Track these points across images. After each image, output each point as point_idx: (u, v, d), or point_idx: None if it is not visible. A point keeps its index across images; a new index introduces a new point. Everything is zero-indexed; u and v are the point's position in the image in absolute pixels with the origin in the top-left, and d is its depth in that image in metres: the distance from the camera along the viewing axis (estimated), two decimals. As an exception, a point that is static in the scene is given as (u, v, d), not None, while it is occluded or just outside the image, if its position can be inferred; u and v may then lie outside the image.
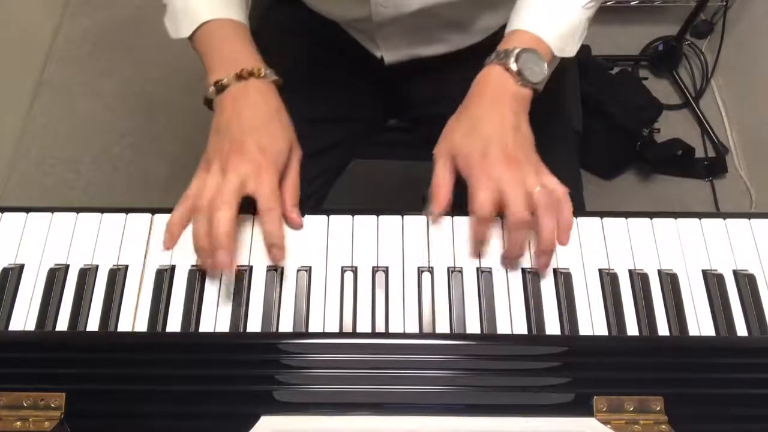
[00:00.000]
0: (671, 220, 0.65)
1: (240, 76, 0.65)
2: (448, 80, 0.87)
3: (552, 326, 0.59)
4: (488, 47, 0.76)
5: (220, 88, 0.66)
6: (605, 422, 0.49)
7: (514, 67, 0.64)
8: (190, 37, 0.69)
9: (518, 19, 0.68)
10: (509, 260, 0.62)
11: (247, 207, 0.62)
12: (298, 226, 0.64)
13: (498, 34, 0.83)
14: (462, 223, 0.64)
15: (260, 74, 0.66)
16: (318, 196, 0.87)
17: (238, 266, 0.61)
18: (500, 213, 0.62)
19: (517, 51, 0.65)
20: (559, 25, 0.67)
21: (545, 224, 0.60)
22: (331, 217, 0.64)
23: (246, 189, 0.61)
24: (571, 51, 0.69)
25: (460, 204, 0.64)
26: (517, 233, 0.60)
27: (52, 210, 0.64)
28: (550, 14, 0.67)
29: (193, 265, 0.61)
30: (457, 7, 0.78)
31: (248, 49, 0.69)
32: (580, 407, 0.50)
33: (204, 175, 0.63)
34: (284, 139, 0.65)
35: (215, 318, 0.59)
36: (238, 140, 0.63)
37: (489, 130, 0.63)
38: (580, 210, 0.64)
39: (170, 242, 0.63)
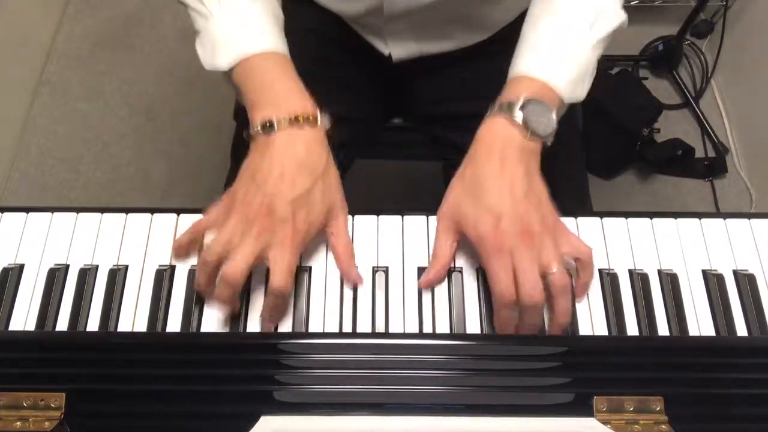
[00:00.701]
0: (671, 220, 0.65)
1: (294, 120, 0.60)
2: (453, 79, 0.87)
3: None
4: (494, 45, 0.76)
5: (269, 127, 0.60)
6: (605, 422, 0.49)
7: (518, 119, 0.60)
8: (229, 70, 0.64)
9: (524, 63, 0.63)
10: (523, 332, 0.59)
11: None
12: (359, 283, 0.61)
13: (504, 31, 0.83)
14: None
15: (315, 122, 0.61)
16: None
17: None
18: None
19: (521, 101, 0.60)
20: (569, 68, 0.62)
21: (560, 306, 0.58)
22: (331, 217, 0.64)
23: (263, 256, 0.57)
24: (580, 95, 0.65)
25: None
26: (529, 315, 0.57)
27: (52, 210, 0.64)
28: (559, 57, 0.62)
29: (193, 265, 0.61)
30: (467, 1, 0.77)
31: (301, 89, 0.63)
32: (580, 407, 0.50)
33: (222, 217, 0.59)
34: (323, 204, 0.60)
35: (215, 318, 0.59)
36: (274, 202, 0.57)
37: (498, 200, 0.58)
38: (587, 210, 0.64)
39: (178, 259, 0.62)
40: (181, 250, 0.62)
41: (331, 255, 0.62)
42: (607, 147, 1.56)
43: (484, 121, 0.63)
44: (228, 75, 0.64)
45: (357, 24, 0.84)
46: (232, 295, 0.57)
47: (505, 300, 0.57)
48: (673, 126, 1.65)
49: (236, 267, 0.56)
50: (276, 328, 0.59)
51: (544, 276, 0.57)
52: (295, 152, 0.59)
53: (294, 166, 0.59)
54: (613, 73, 1.65)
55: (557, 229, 0.60)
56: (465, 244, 0.63)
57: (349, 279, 0.61)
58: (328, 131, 0.63)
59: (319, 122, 0.61)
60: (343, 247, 0.61)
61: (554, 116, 0.61)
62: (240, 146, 0.90)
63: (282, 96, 0.62)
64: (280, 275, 0.57)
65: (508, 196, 0.58)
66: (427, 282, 0.61)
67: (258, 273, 0.61)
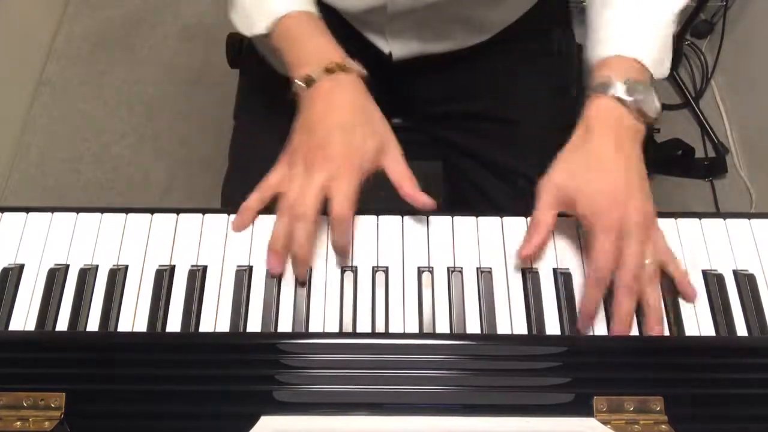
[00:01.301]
0: (671, 220, 0.65)
1: (329, 70, 0.64)
2: (454, 79, 0.87)
3: (552, 326, 0.59)
4: (495, 45, 0.76)
5: (309, 82, 0.64)
6: (605, 422, 0.49)
7: (626, 97, 0.60)
8: (267, 33, 0.68)
9: (611, 43, 0.63)
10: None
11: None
12: (430, 206, 0.62)
13: (505, 32, 0.83)
14: (462, 223, 0.64)
15: (348, 68, 0.65)
16: None
17: (238, 266, 0.61)
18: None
19: (629, 82, 0.60)
20: (653, 45, 0.62)
21: (652, 298, 0.59)
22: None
23: (326, 191, 0.60)
24: (664, 72, 0.65)
25: (460, 204, 0.63)
26: (625, 298, 0.57)
27: (52, 210, 0.64)
28: (644, 34, 0.63)
29: (193, 265, 0.61)
30: (470, 1, 0.77)
31: (331, 42, 0.67)
32: (580, 407, 0.50)
33: (286, 170, 0.63)
34: (373, 139, 0.63)
35: (215, 318, 0.59)
36: (325, 138, 0.61)
37: (618, 177, 0.59)
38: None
39: (240, 226, 0.63)
40: (249, 212, 0.63)
41: (331, 254, 0.62)
42: (607, 147, 1.56)
43: (589, 102, 0.63)
44: (267, 41, 0.68)
45: (358, 21, 0.84)
46: (307, 236, 0.59)
47: (602, 273, 0.57)
48: (673, 126, 1.65)
49: (304, 202, 0.59)
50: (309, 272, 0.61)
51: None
52: (337, 97, 0.64)
53: (338, 107, 0.63)
54: (613, 73, 1.65)
55: (655, 229, 0.61)
56: (466, 245, 0.63)
57: (417, 202, 0.62)
58: (362, 74, 0.67)
59: (349, 67, 0.65)
60: (402, 175, 0.63)
61: (656, 96, 0.61)
62: (239, 146, 0.90)
63: (314, 52, 0.66)
64: (338, 204, 0.59)
65: (624, 174, 0.59)
66: (529, 250, 0.60)
67: (258, 273, 0.61)
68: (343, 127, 0.62)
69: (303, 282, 0.60)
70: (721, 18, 1.63)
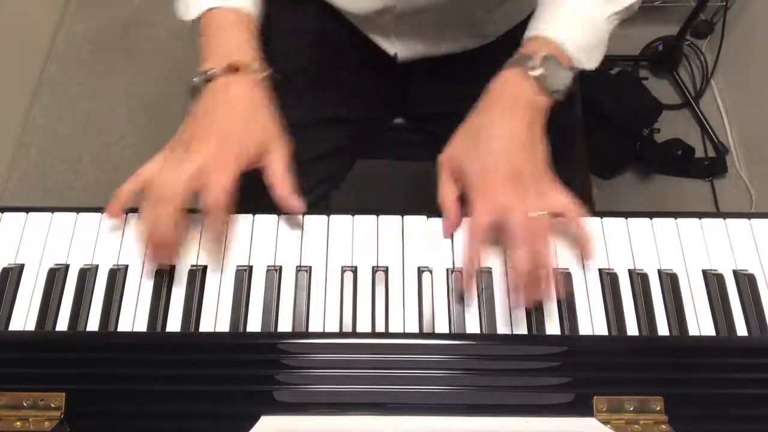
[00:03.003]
0: (671, 220, 0.65)
1: (230, 68, 0.64)
2: (455, 79, 0.87)
3: (552, 326, 0.59)
4: (498, 46, 0.76)
5: (208, 78, 0.64)
6: (605, 422, 0.49)
7: (536, 72, 0.62)
8: (196, 21, 0.69)
9: (540, 26, 0.66)
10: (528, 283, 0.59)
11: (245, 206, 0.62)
12: (297, 210, 0.63)
13: (510, 36, 0.83)
14: (462, 223, 0.64)
15: (250, 69, 0.65)
16: (323, 198, 0.87)
17: (238, 266, 0.61)
18: None
19: (541, 55, 0.62)
20: (581, 35, 0.65)
21: (539, 247, 0.59)
22: (331, 217, 0.64)
23: (200, 182, 0.59)
24: (590, 64, 0.67)
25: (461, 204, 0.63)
26: (520, 251, 0.58)
27: (52, 210, 0.64)
28: (575, 24, 0.65)
29: (193, 265, 0.61)
30: (477, 3, 0.78)
31: (246, 42, 0.67)
32: (580, 407, 0.50)
33: (166, 154, 0.63)
34: (258, 135, 0.63)
35: (215, 318, 0.59)
36: (206, 129, 0.61)
37: (497, 146, 0.61)
38: (589, 210, 0.64)
39: (114, 210, 0.62)
40: (123, 196, 0.62)
41: (331, 254, 0.62)
42: (607, 147, 1.56)
43: (498, 74, 0.64)
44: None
45: (364, 23, 0.84)
46: (170, 220, 0.58)
47: (479, 226, 0.59)
48: (673, 126, 1.65)
49: (170, 187, 0.58)
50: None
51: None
52: (230, 93, 0.64)
53: (229, 102, 0.63)
54: (613, 73, 1.65)
55: (547, 183, 0.62)
56: (463, 244, 0.63)
57: (287, 206, 0.62)
58: (267, 77, 0.67)
59: (253, 69, 0.65)
60: (278, 177, 0.63)
61: (568, 75, 0.63)
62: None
63: (225, 49, 0.66)
64: (211, 193, 0.58)
65: (506, 143, 0.61)
66: (449, 227, 0.62)
67: (258, 272, 0.61)
68: (228, 119, 0.62)
69: (168, 266, 0.60)
70: (721, 18, 1.63)
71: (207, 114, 0.63)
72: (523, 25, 0.70)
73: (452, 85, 0.88)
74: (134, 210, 0.64)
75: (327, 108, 0.87)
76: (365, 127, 0.92)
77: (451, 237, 0.63)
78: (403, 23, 0.80)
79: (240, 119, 0.63)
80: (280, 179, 0.63)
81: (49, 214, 0.64)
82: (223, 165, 0.60)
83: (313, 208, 0.68)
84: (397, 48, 0.83)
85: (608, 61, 1.67)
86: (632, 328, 0.59)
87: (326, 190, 0.88)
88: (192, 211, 0.65)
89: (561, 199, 0.61)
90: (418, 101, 0.93)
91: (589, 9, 0.66)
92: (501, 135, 0.61)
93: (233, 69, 0.64)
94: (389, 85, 0.91)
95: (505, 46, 0.69)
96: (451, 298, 0.60)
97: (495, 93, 0.64)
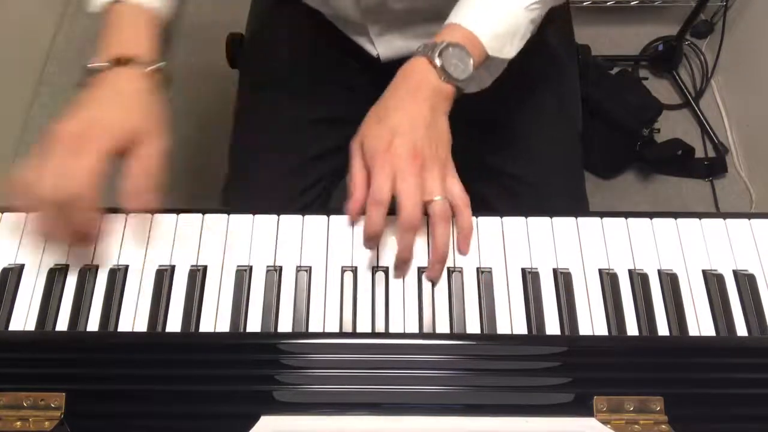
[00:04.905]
0: (671, 220, 0.65)
1: (118, 62, 0.64)
2: None
3: (552, 326, 0.59)
4: None
5: (96, 70, 0.65)
6: (605, 422, 0.49)
7: (437, 61, 0.63)
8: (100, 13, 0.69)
9: (456, 14, 0.66)
10: (400, 263, 0.61)
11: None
12: (148, 207, 0.61)
13: None
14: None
15: (139, 61, 0.65)
16: (322, 198, 0.87)
17: (238, 266, 0.61)
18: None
19: (443, 45, 0.63)
20: (497, 23, 0.65)
21: (438, 234, 0.60)
22: (331, 217, 0.64)
23: (72, 164, 0.58)
24: (509, 52, 0.67)
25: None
26: (406, 235, 0.59)
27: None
28: (489, 12, 0.65)
29: (193, 265, 0.61)
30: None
31: (142, 37, 0.67)
32: (580, 407, 0.50)
33: (45, 155, 0.59)
34: (134, 122, 0.62)
35: (215, 318, 0.59)
36: (77, 118, 0.60)
37: (399, 121, 0.62)
38: (583, 210, 0.64)
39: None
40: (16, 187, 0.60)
41: (331, 254, 0.62)
42: (607, 147, 1.56)
43: (407, 60, 0.65)
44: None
45: (342, 24, 0.85)
46: (85, 217, 0.58)
47: (376, 197, 0.59)
48: (673, 126, 1.65)
49: (45, 182, 0.56)
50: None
51: (425, 204, 0.59)
52: (113, 85, 0.63)
53: (111, 91, 0.63)
54: (613, 73, 1.65)
55: (447, 166, 0.62)
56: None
57: (132, 203, 0.60)
58: (154, 72, 0.67)
59: (140, 62, 0.65)
60: (139, 170, 0.61)
61: (471, 63, 0.63)
62: (238, 146, 0.90)
63: (119, 44, 0.66)
64: (74, 179, 0.57)
65: (407, 122, 0.61)
66: (355, 203, 0.62)
67: (258, 272, 0.61)
68: (105, 106, 0.62)
69: (44, 272, 0.60)
70: (721, 18, 1.63)
71: (85, 105, 0.62)
72: None
73: None
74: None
75: (321, 109, 0.87)
76: None
77: (452, 237, 0.63)
78: (376, 23, 0.80)
79: (116, 106, 0.62)
80: (139, 175, 0.61)
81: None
82: (87, 152, 0.58)
83: (313, 208, 0.68)
84: (378, 49, 0.84)
85: (608, 61, 1.67)
86: (632, 328, 0.59)
87: (323, 189, 0.88)
88: (192, 211, 0.65)
89: (457, 188, 0.62)
90: None
91: (507, 1, 0.66)
92: (403, 114, 0.62)
93: (122, 62, 0.64)
94: (382, 85, 0.91)
95: None
96: (451, 298, 0.60)
97: (400, 77, 0.65)
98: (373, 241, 0.61)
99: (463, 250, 0.62)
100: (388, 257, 0.62)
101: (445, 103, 0.64)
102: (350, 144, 0.65)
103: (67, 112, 0.61)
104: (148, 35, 0.68)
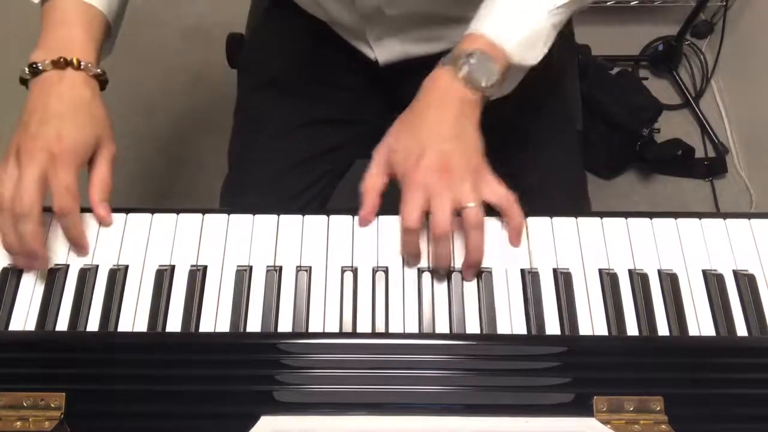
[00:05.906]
0: (671, 220, 0.65)
1: (57, 64, 0.63)
2: None
3: (552, 326, 0.59)
4: None
5: (35, 71, 0.64)
6: (605, 422, 0.49)
7: (463, 70, 0.62)
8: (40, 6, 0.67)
9: (478, 22, 0.65)
10: (439, 268, 0.61)
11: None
12: (106, 223, 0.63)
13: None
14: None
15: (79, 66, 0.64)
16: (321, 198, 0.88)
17: (238, 266, 0.61)
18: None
19: (467, 54, 0.62)
20: (520, 31, 0.64)
21: (471, 241, 0.60)
22: (331, 217, 0.64)
23: (46, 184, 0.59)
24: (534, 58, 0.66)
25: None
26: (439, 245, 0.59)
27: (52, 210, 0.64)
28: (512, 19, 0.65)
29: (193, 265, 0.61)
30: (442, 4, 0.77)
31: (84, 38, 0.66)
32: (580, 407, 0.50)
33: (4, 166, 0.61)
34: (89, 131, 0.63)
35: (215, 318, 0.59)
36: (38, 130, 0.60)
37: (427, 134, 0.62)
38: (585, 210, 0.64)
39: None
40: None
41: (331, 254, 0.62)
42: (607, 147, 1.56)
43: (432, 72, 0.65)
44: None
45: (339, 28, 0.85)
46: (34, 234, 0.58)
47: (406, 225, 0.59)
48: (673, 126, 1.65)
49: (22, 200, 0.58)
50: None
51: (459, 211, 0.60)
52: (56, 89, 0.63)
53: (56, 98, 0.62)
54: (613, 73, 1.65)
55: (480, 173, 0.62)
56: (463, 245, 0.63)
57: (94, 210, 0.63)
58: (97, 76, 0.66)
59: (82, 66, 0.64)
60: (96, 178, 0.64)
61: (497, 71, 0.63)
62: (238, 146, 0.90)
63: (59, 42, 0.65)
64: (59, 196, 0.59)
65: (436, 132, 0.62)
66: (365, 212, 0.63)
67: (258, 272, 0.61)
68: (57, 117, 0.61)
69: (45, 272, 0.61)
70: (721, 18, 1.63)
71: (35, 114, 0.62)
72: None
73: None
74: (134, 210, 0.64)
75: (320, 110, 0.87)
76: (361, 128, 0.92)
77: (452, 237, 0.63)
78: (374, 26, 0.80)
79: (71, 115, 0.62)
80: (96, 182, 0.64)
81: (49, 214, 0.64)
82: (64, 166, 0.59)
83: (312, 208, 0.68)
84: (376, 52, 0.84)
85: (608, 61, 1.67)
86: (632, 328, 0.59)
87: (323, 189, 0.88)
88: (192, 211, 0.65)
89: (497, 190, 0.62)
90: (405, 103, 0.93)
91: (527, 4, 0.65)
92: (429, 126, 0.62)
93: (63, 64, 0.63)
94: (381, 87, 0.91)
95: None
96: (451, 298, 0.60)
97: (426, 90, 0.65)
98: (415, 259, 0.62)
99: (514, 243, 0.63)
100: (388, 257, 0.62)
101: (473, 112, 0.64)
102: (374, 151, 0.65)
103: (23, 126, 0.61)
104: (89, 35, 0.67)
